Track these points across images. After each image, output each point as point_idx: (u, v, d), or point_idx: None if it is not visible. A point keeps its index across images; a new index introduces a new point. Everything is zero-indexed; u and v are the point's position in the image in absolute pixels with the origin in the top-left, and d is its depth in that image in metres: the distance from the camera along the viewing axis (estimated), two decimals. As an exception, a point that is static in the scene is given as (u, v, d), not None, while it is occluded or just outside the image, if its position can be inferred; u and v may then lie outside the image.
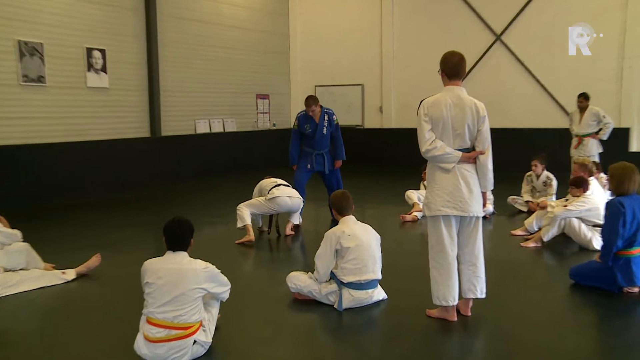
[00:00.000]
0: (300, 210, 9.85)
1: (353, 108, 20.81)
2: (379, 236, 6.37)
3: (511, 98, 18.43)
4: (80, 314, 6.01)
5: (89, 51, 14.28)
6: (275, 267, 7.87)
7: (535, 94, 18.21)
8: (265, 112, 20.24)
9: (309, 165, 10.58)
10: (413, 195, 11.70)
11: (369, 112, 20.82)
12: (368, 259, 6.06)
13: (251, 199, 9.81)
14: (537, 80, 18.10)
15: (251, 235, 9.13)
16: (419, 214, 11.11)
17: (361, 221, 6.46)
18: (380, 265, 6.24)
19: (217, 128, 17.99)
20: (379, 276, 6.19)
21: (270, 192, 9.58)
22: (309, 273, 6.37)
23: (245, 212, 9.39)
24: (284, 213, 9.86)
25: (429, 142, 5.36)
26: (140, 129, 15.72)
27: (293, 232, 9.83)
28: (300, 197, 9.84)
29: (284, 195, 9.55)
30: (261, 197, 9.57)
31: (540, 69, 18.05)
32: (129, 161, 15.12)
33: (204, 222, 10.78)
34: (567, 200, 9.34)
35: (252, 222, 9.55)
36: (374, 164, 20.20)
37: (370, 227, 6.38)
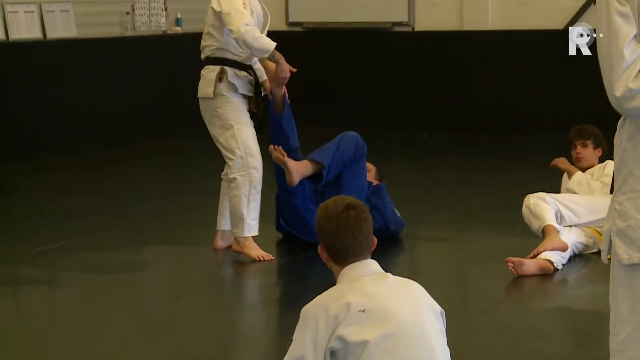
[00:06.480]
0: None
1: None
2: (442, 309, 3.48)
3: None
4: None
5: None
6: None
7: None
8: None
9: None
10: (546, 208, 6.82)
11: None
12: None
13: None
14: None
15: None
16: (558, 257, 6.40)
17: (395, 272, 3.50)
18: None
19: (32, 31, 9.70)
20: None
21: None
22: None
23: None
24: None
25: (635, 69, 2.73)
26: None
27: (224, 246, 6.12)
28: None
29: None
30: None
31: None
32: None
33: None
34: None
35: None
36: (442, 122, 11.14)
37: (419, 287, 3.48)
